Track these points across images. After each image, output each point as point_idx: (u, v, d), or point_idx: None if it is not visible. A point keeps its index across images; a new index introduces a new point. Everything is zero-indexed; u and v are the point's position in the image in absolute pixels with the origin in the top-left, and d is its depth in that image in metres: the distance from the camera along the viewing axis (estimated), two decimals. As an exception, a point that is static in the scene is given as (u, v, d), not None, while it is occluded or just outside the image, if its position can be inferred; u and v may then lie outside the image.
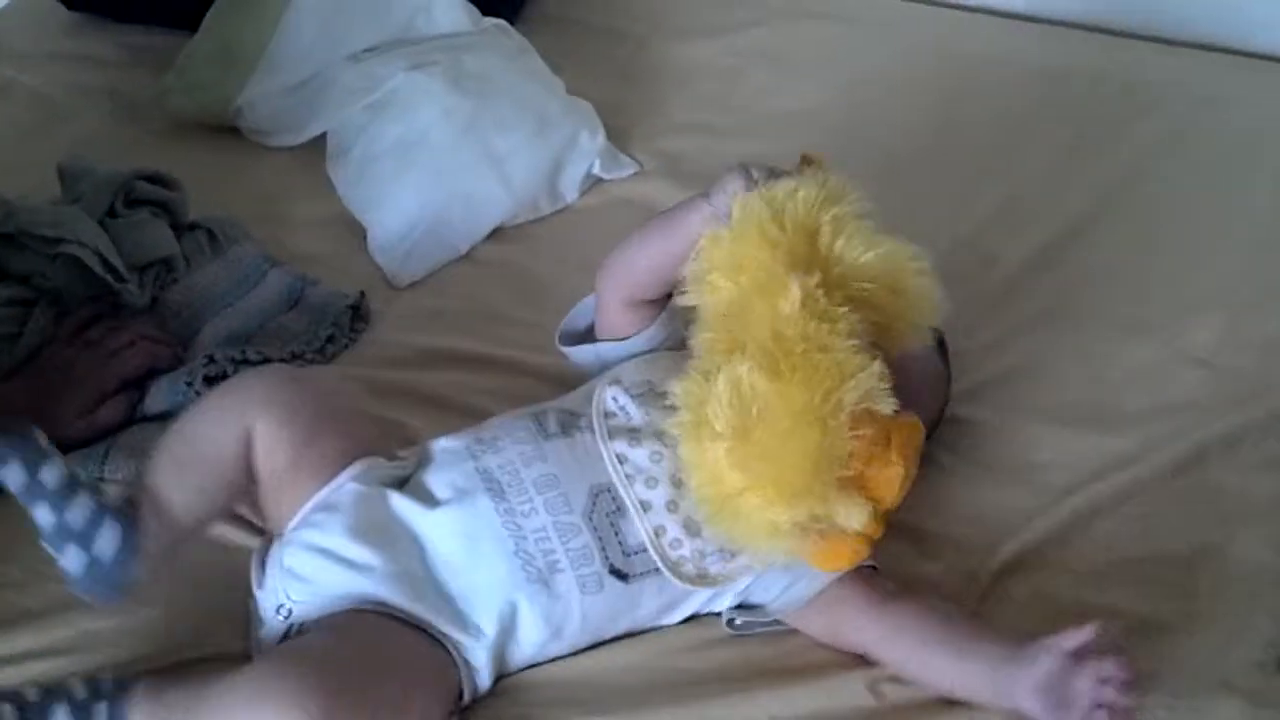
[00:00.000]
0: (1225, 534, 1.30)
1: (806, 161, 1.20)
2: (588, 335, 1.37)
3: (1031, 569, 1.28)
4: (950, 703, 1.16)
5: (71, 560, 1.15)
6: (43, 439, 1.17)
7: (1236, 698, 1.14)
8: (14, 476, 1.14)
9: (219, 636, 1.24)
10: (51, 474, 1.15)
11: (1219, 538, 1.29)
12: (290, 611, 1.19)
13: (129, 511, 1.18)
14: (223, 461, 1.21)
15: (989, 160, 1.80)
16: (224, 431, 1.22)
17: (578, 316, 1.39)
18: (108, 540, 1.16)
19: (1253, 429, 1.39)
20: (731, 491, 1.09)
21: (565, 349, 1.38)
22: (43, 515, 1.15)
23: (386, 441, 1.33)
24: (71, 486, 1.16)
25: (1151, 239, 1.66)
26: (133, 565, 1.17)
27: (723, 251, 1.15)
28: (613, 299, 1.31)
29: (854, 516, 1.10)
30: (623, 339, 1.32)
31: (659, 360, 1.29)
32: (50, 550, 1.17)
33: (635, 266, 1.29)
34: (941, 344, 1.37)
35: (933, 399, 1.35)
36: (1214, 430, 1.39)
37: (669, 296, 1.27)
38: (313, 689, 1.05)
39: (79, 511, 1.15)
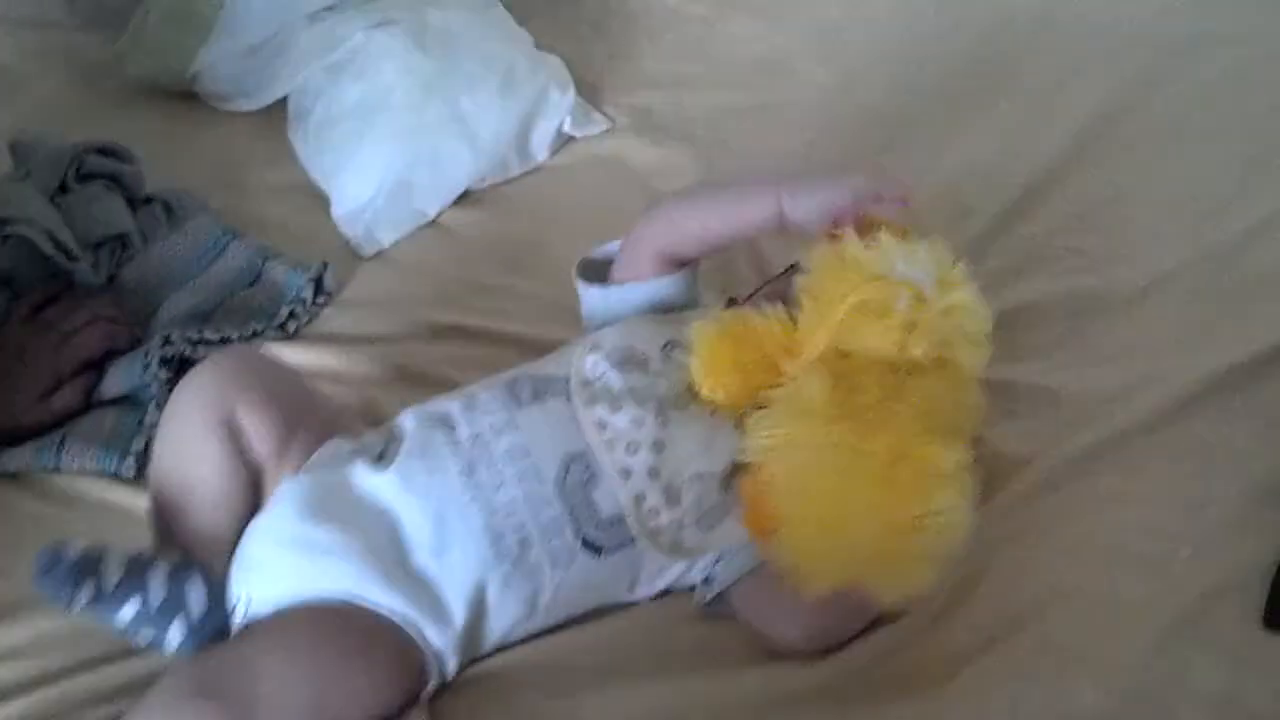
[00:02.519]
0: (1206, 481, 1.26)
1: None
2: (602, 272, 1.34)
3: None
4: (923, 676, 1.13)
5: (175, 635, 1.13)
6: (71, 547, 1.12)
7: (1220, 654, 1.12)
8: (85, 598, 1.11)
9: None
10: (111, 574, 1.12)
11: (1200, 485, 1.26)
12: (250, 603, 1.15)
13: (188, 562, 1.16)
14: (218, 470, 1.18)
15: (961, 110, 1.76)
16: (205, 436, 1.18)
17: (605, 250, 1.37)
18: (195, 598, 1.13)
19: (1235, 373, 1.36)
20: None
21: (579, 285, 1.35)
22: (128, 612, 1.12)
23: (354, 422, 1.30)
24: (139, 570, 1.12)
25: (1131, 182, 1.62)
26: (222, 607, 1.15)
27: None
28: (651, 244, 1.31)
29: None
30: (643, 281, 1.32)
31: (638, 325, 1.27)
32: (142, 637, 1.13)
33: (693, 224, 1.31)
34: None
35: None
36: (1196, 375, 1.36)
37: (697, 262, 1.33)
38: (205, 699, 1.04)
39: (157, 590, 1.12)
